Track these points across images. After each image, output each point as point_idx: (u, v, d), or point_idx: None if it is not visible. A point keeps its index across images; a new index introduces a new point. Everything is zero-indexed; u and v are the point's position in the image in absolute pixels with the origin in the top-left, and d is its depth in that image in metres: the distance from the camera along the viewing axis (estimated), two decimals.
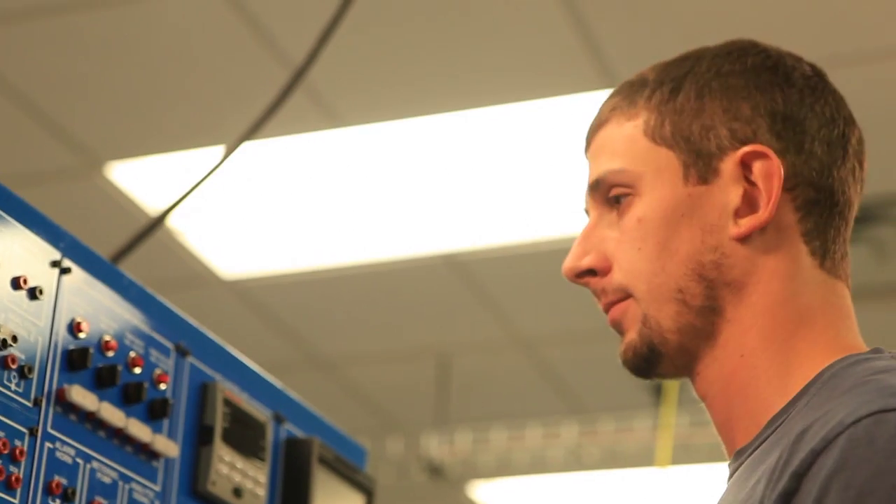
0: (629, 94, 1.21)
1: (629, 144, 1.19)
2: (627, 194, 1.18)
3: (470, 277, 4.54)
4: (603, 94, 3.51)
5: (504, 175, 4.04)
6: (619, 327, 1.19)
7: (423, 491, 5.33)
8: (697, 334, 1.15)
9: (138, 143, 3.98)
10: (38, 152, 3.95)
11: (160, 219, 1.80)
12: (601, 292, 1.20)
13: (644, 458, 4.74)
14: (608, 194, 1.20)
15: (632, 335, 1.18)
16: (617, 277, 1.18)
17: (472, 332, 4.86)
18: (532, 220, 4.23)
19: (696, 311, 1.15)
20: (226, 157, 1.79)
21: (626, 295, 1.18)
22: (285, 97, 1.83)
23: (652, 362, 1.17)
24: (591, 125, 1.23)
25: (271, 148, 3.91)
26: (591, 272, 1.19)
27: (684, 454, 4.44)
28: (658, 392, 4.67)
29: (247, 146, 1.80)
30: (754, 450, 1.11)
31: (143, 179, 4.12)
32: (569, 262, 1.20)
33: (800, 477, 0.99)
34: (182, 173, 4.01)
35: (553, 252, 4.32)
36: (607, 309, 1.20)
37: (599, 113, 1.23)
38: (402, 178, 4.08)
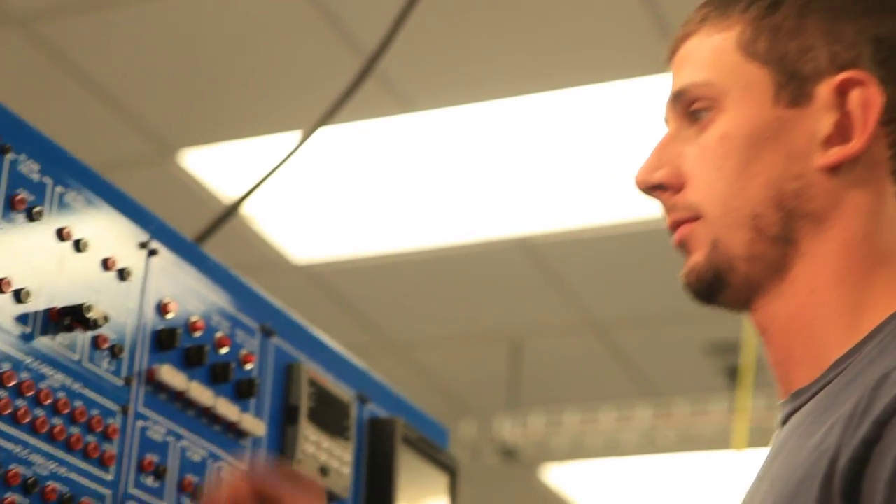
0: (722, 4, 1.14)
1: (717, 57, 1.12)
2: (710, 109, 1.11)
3: (542, 261, 4.53)
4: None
5: (576, 158, 4.02)
6: (684, 248, 1.13)
7: (496, 474, 5.33)
8: (767, 265, 1.09)
9: (210, 130, 4.01)
10: (112, 140, 3.99)
11: (239, 202, 1.81)
12: (671, 208, 1.13)
13: (719, 440, 4.71)
14: (689, 107, 1.13)
15: (698, 258, 1.11)
16: (690, 196, 1.11)
17: (544, 316, 4.85)
18: (604, 204, 4.22)
19: (769, 241, 1.09)
20: (302, 142, 1.80)
21: (696, 215, 1.11)
22: (360, 83, 1.83)
23: (715, 289, 1.11)
24: (678, 34, 1.17)
25: (343, 133, 3.92)
26: (663, 187, 1.13)
27: (760, 437, 4.40)
28: (733, 375, 4.64)
29: (319, 132, 1.81)
30: (816, 392, 1.06)
31: (215, 166, 4.15)
32: (641, 174, 1.14)
33: (882, 425, 0.94)
34: (253, 159, 4.03)
35: (625, 235, 4.31)
36: (674, 227, 1.13)
37: (688, 22, 1.16)
38: (474, 162, 4.08)
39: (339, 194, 4.30)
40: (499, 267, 4.56)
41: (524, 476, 5.85)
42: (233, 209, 1.79)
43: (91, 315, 1.16)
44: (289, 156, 1.80)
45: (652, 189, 1.14)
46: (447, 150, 4.02)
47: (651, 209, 4.19)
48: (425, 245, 4.51)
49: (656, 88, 3.62)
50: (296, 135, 3.80)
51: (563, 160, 4.02)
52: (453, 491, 1.69)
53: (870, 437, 0.94)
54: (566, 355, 5.08)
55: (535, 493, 6.14)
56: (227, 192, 4.17)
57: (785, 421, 1.09)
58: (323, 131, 1.79)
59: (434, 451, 1.66)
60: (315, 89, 3.47)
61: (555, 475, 5.95)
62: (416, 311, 4.92)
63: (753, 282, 1.10)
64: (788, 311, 1.09)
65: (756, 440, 4.87)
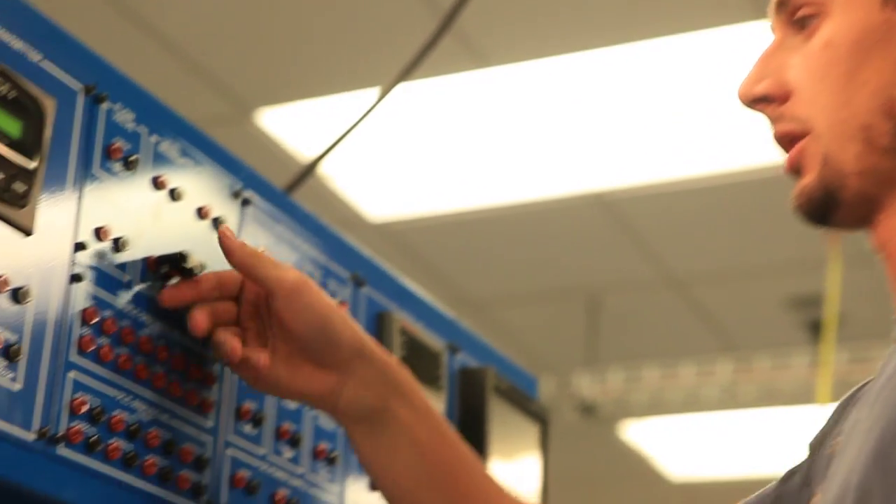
0: None
1: None
2: (816, 15, 1.06)
3: (620, 216, 4.51)
4: (756, 26, 3.44)
5: (653, 112, 3.99)
6: (797, 169, 1.07)
7: (575, 430, 5.33)
8: (882, 178, 1.03)
9: (287, 89, 4.02)
10: (189, 100, 4.02)
11: (319, 159, 1.80)
12: (777, 119, 1.08)
13: (801, 395, 4.67)
14: (794, 14, 1.07)
15: (809, 178, 1.06)
16: (797, 108, 1.06)
17: (622, 271, 4.83)
18: (682, 157, 4.18)
19: (881, 152, 1.03)
20: (380, 99, 1.79)
21: (804, 129, 1.06)
22: (438, 39, 1.81)
23: (828, 209, 1.05)
24: None
25: (419, 90, 3.92)
26: (766, 99, 1.08)
27: (844, 391, 4.36)
28: (814, 329, 4.59)
29: (397, 89, 1.80)
30: None
31: (292, 125, 4.16)
32: (744, 87, 1.09)
33: None
34: (330, 117, 4.04)
35: (704, 190, 4.27)
36: (782, 139, 1.08)
37: None
38: (551, 117, 4.05)
39: (416, 151, 4.30)
40: (576, 223, 4.55)
41: (603, 433, 5.84)
42: (312, 167, 1.78)
43: (188, 264, 1.16)
44: (367, 113, 1.79)
45: (755, 102, 1.09)
46: (524, 105, 4.00)
47: (730, 163, 4.15)
48: (503, 202, 4.50)
49: (736, 39, 3.57)
50: (373, 92, 3.80)
51: (639, 113, 3.99)
52: (544, 441, 1.69)
53: None
54: (645, 311, 5.06)
55: (614, 450, 6.14)
56: (304, 151, 4.19)
57: None
58: (400, 88, 1.78)
59: (525, 401, 1.65)
60: (392, 46, 3.46)
61: (634, 431, 5.94)
62: (493, 269, 4.92)
63: (868, 197, 1.04)
64: None
65: (839, 394, 4.83)
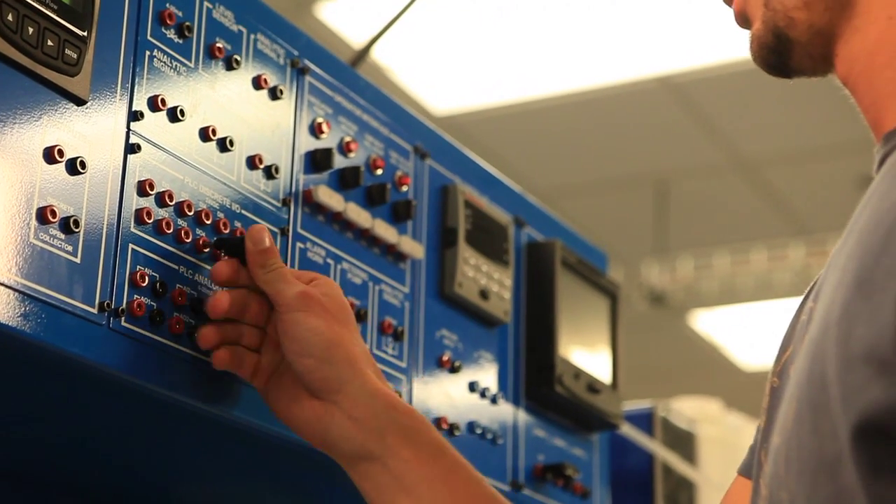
0: None
1: None
2: None
3: (686, 99, 4.43)
4: None
5: None
6: (743, 20, 1.02)
7: (645, 320, 5.31)
8: (828, 5, 0.96)
9: None
10: None
11: (370, 44, 1.76)
12: None
13: None
14: None
15: (756, 24, 1.00)
16: None
17: (690, 157, 4.76)
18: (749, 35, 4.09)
19: None
20: None
21: None
22: None
23: (783, 53, 0.99)
24: None
25: None
26: None
27: None
28: None
29: None
30: None
31: (350, 17, 4.11)
32: None
33: None
34: (389, 10, 3.98)
35: None
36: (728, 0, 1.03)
37: None
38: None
39: (479, 42, 4.24)
40: (642, 107, 4.48)
41: (673, 322, 5.81)
42: (362, 55, 1.74)
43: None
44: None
45: None
46: None
47: None
48: (565, 89, 4.43)
49: None
50: None
51: None
52: (614, 315, 1.66)
53: None
54: (714, 196, 4.99)
55: (684, 340, 6.11)
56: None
57: (878, 168, 0.96)
58: None
59: (594, 275, 1.62)
60: None
61: (705, 321, 5.91)
62: (558, 158, 4.87)
63: (819, 30, 0.98)
64: (867, 47, 0.96)
65: None
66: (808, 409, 0.84)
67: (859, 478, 0.79)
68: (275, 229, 1.19)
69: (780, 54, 1.00)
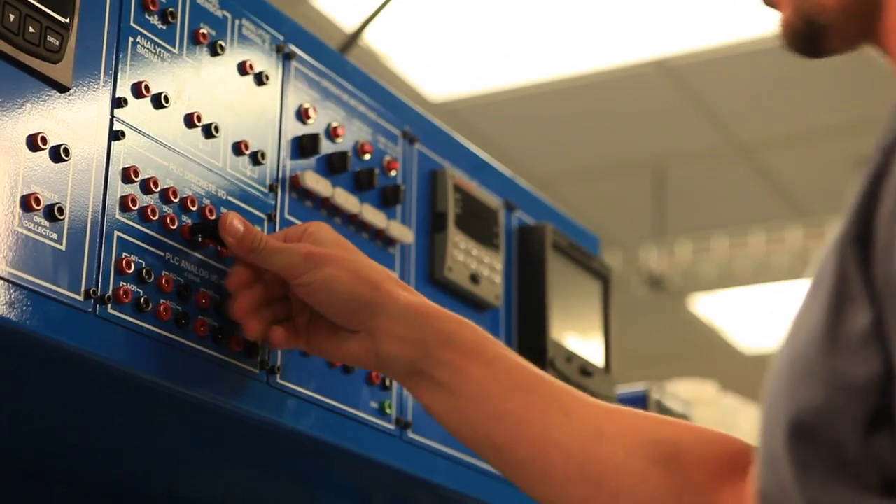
0: None
1: None
2: None
3: (683, 83, 4.42)
4: None
5: None
6: (772, 3, 1.00)
7: (643, 305, 5.30)
8: None
9: None
10: None
11: (361, 29, 1.76)
12: None
13: None
14: None
15: (786, 10, 0.97)
16: None
17: (687, 141, 4.75)
18: (745, 18, 4.08)
19: None
20: None
21: None
22: None
23: (815, 40, 0.96)
24: None
25: None
26: None
27: None
28: None
29: None
30: None
31: (344, 1, 4.10)
32: None
33: (887, 152, 0.78)
34: None
35: (770, 51, 4.17)
36: None
37: None
38: None
39: (473, 27, 4.23)
40: (638, 91, 4.47)
41: (672, 306, 5.81)
42: (351, 40, 1.73)
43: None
44: None
45: None
46: None
47: None
48: (563, 74, 4.43)
49: None
50: None
51: None
52: (606, 298, 1.66)
53: (877, 168, 0.78)
54: (711, 179, 4.99)
55: (683, 324, 6.11)
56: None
57: None
58: None
59: (585, 258, 1.62)
60: None
61: (703, 304, 5.91)
62: (555, 144, 4.86)
63: (853, 12, 0.93)
64: None
65: None
66: (766, 402, 0.83)
67: (793, 477, 0.77)
68: (262, 215, 1.19)
69: (813, 41, 0.97)
